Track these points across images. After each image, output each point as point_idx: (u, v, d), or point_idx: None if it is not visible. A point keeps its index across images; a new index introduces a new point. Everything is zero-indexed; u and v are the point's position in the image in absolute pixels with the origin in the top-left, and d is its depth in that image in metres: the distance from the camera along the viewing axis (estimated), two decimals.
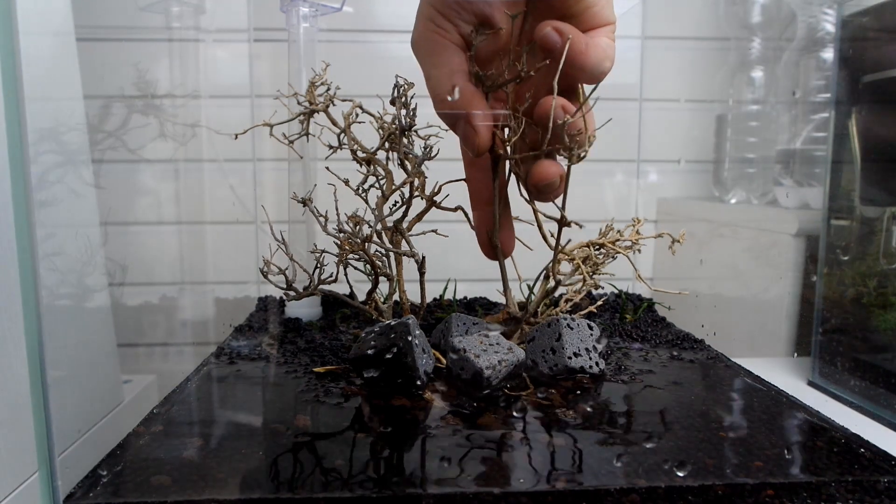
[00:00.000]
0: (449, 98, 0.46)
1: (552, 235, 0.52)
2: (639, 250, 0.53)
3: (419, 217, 0.56)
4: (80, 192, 0.60)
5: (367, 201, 0.55)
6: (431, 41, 0.46)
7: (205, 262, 0.89)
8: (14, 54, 0.37)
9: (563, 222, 0.50)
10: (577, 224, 0.50)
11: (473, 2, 0.45)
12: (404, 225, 0.55)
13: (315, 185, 0.69)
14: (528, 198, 0.51)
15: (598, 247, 0.53)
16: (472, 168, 0.54)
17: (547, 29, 0.44)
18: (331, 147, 0.55)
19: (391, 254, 0.55)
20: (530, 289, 0.74)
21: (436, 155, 0.54)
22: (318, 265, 0.55)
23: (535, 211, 0.52)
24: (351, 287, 0.57)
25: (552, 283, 0.52)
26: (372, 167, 0.55)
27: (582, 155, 0.45)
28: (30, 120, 0.38)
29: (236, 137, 0.56)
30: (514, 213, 0.54)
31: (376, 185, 0.55)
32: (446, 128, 0.50)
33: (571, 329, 0.52)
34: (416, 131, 0.55)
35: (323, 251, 0.55)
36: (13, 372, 0.46)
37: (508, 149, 0.49)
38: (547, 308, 0.56)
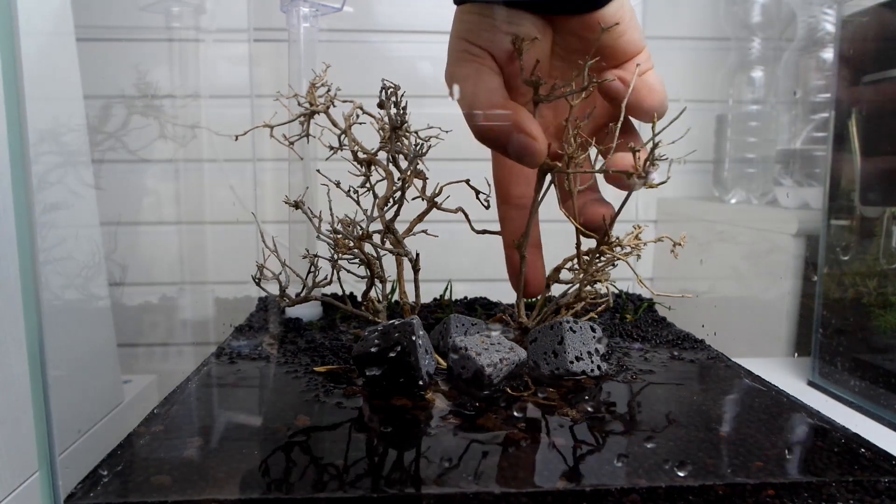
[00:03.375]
0: (489, 111, 0.46)
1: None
2: (638, 256, 0.53)
3: (420, 218, 0.56)
4: (80, 192, 0.60)
5: (358, 203, 0.55)
6: (467, 68, 0.46)
7: (205, 262, 0.89)
8: (14, 54, 0.37)
9: (601, 242, 0.50)
10: (615, 242, 0.51)
11: (503, 30, 0.46)
12: (399, 225, 0.56)
13: (307, 187, 0.69)
14: (565, 213, 0.51)
15: (597, 254, 0.53)
16: (508, 207, 0.53)
17: (614, 81, 0.47)
18: (331, 148, 0.55)
19: (385, 256, 0.55)
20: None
21: (426, 152, 0.54)
22: (312, 269, 0.55)
23: (576, 227, 0.52)
24: (343, 290, 0.57)
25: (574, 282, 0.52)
26: (372, 168, 0.55)
27: (650, 181, 0.45)
28: (30, 120, 0.38)
29: (236, 139, 0.56)
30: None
31: (369, 185, 0.55)
32: (447, 129, 0.51)
33: (574, 332, 0.52)
34: (416, 132, 0.55)
35: (316, 255, 0.56)
36: (13, 372, 0.46)
37: (564, 160, 0.48)
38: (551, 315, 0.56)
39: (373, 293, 0.56)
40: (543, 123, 0.51)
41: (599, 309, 0.55)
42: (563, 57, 0.49)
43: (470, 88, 0.46)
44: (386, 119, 0.54)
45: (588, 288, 0.53)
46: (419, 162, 0.55)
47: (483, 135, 0.46)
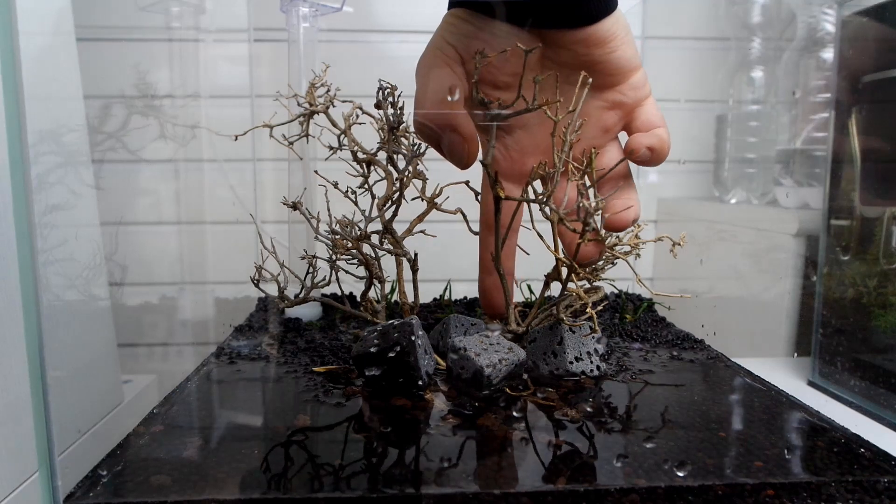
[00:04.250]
0: (437, 106, 0.46)
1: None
2: (638, 255, 0.53)
3: (420, 218, 0.56)
4: (80, 192, 0.60)
5: (356, 203, 0.55)
6: (433, 64, 0.46)
7: (205, 262, 0.89)
8: (14, 54, 0.37)
9: (571, 268, 0.50)
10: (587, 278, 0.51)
11: (485, 39, 0.45)
12: (398, 226, 0.56)
13: (305, 188, 0.69)
14: (545, 221, 0.51)
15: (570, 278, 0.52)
16: (487, 232, 0.53)
17: (643, 150, 0.47)
18: (331, 148, 0.55)
19: (383, 256, 0.55)
20: (530, 290, 0.74)
21: (424, 153, 0.54)
22: (310, 270, 0.55)
23: (556, 256, 0.52)
24: (342, 290, 0.57)
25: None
26: (372, 169, 0.55)
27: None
28: (30, 120, 0.38)
29: (236, 139, 0.56)
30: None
31: (367, 186, 0.55)
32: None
33: (573, 332, 0.52)
34: (414, 133, 0.55)
35: (314, 256, 0.56)
36: (13, 372, 0.46)
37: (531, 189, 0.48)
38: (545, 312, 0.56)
39: (371, 293, 0.56)
40: (533, 142, 0.50)
41: (583, 319, 0.54)
42: (555, 70, 0.48)
43: (427, 83, 0.46)
44: (384, 119, 0.54)
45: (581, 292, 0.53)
46: (418, 162, 0.55)
47: (420, 126, 0.47)
